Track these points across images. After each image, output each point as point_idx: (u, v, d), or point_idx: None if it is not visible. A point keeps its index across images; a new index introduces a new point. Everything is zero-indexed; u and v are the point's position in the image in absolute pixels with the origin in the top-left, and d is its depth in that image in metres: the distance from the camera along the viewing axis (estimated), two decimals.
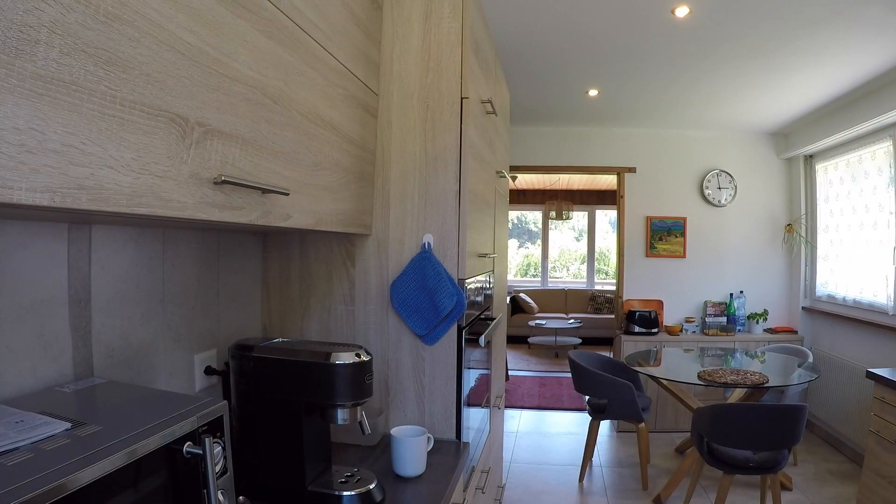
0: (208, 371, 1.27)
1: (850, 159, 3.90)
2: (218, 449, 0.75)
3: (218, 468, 0.76)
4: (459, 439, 1.48)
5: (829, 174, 4.21)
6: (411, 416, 1.48)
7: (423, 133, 1.47)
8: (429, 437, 1.28)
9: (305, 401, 1.07)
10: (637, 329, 4.32)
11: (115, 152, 0.59)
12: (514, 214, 9.56)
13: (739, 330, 4.44)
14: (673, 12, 2.40)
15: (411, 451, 1.22)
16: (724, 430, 2.49)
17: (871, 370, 2.63)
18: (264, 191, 0.88)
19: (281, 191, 0.92)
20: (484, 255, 1.86)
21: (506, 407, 4.51)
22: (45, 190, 0.51)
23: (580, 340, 7.26)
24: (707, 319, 4.51)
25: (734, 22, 2.52)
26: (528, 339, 7.39)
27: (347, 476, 1.15)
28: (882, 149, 3.56)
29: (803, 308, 4.40)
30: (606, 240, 9.15)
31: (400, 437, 1.24)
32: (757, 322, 4.43)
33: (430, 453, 1.36)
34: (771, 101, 3.73)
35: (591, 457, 3.40)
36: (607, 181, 7.66)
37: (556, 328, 7.10)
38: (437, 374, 1.47)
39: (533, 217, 9.72)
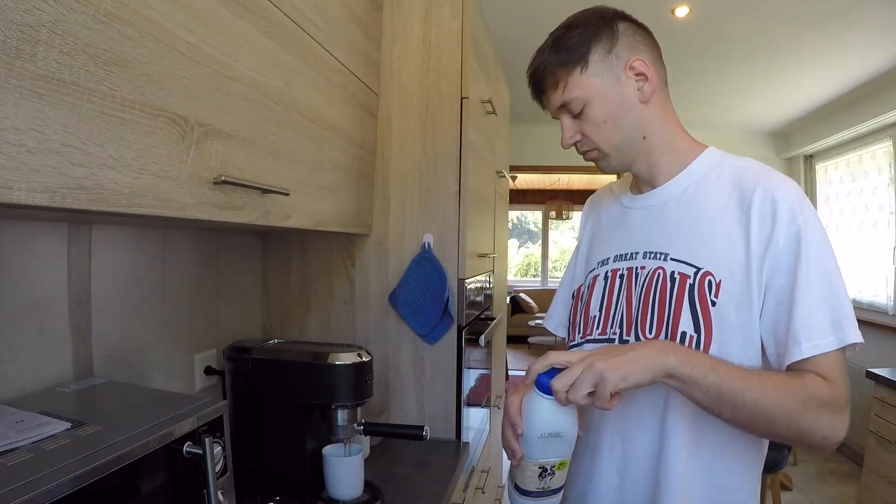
0: (208, 371, 1.27)
1: (850, 159, 3.90)
2: (218, 449, 0.75)
3: (218, 468, 0.76)
4: (459, 439, 1.48)
5: (829, 174, 4.21)
6: (411, 416, 1.48)
7: (423, 133, 1.47)
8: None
9: (306, 402, 1.07)
10: None
11: (115, 152, 0.59)
12: (514, 214, 9.56)
13: None
14: (673, 12, 2.40)
15: (344, 471, 1.08)
16: None
17: (871, 370, 2.63)
18: (264, 191, 0.88)
19: (281, 191, 0.92)
20: (484, 255, 1.86)
21: None
22: (45, 190, 0.51)
23: None
24: None
25: (734, 22, 2.52)
26: (529, 339, 7.39)
27: None
28: (882, 149, 3.56)
29: None
30: None
31: (330, 456, 1.08)
32: None
33: (430, 453, 1.36)
34: (771, 101, 3.73)
35: None
36: (608, 181, 7.66)
37: None
38: (437, 374, 1.47)
39: (533, 217, 9.73)
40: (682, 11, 2.40)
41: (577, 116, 0.87)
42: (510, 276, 9.35)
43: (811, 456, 3.63)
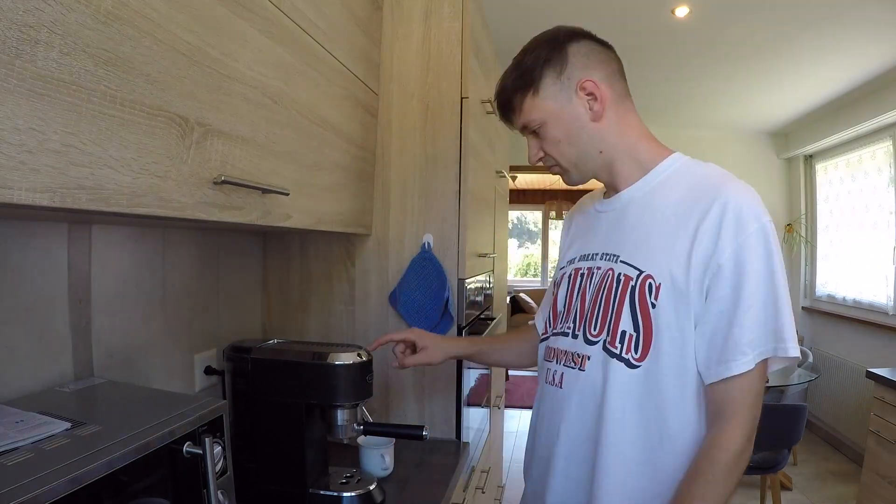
0: (208, 371, 1.27)
1: (850, 159, 3.90)
2: (218, 449, 0.75)
3: (218, 468, 0.76)
4: (459, 439, 1.48)
5: (829, 174, 4.21)
6: (411, 416, 1.48)
7: (423, 133, 1.47)
8: (383, 455, 1.24)
9: (306, 402, 1.07)
10: None
11: (115, 152, 0.59)
12: (514, 214, 9.56)
13: None
14: (673, 12, 2.40)
15: (370, 460, 1.24)
16: None
17: (871, 370, 2.63)
18: (264, 191, 0.88)
19: (281, 191, 0.92)
20: (484, 255, 1.86)
21: (506, 407, 4.49)
22: (45, 190, 0.51)
23: None
24: None
25: (734, 22, 2.52)
26: None
27: (347, 477, 1.15)
28: (882, 149, 3.56)
29: (803, 308, 4.40)
30: None
31: (364, 444, 1.25)
32: None
33: (430, 453, 1.36)
34: (771, 101, 3.73)
35: None
36: None
37: None
38: (438, 374, 1.47)
39: (533, 217, 9.72)
40: (682, 11, 2.40)
41: (537, 135, 0.93)
42: (510, 276, 9.33)
43: (811, 456, 3.63)
